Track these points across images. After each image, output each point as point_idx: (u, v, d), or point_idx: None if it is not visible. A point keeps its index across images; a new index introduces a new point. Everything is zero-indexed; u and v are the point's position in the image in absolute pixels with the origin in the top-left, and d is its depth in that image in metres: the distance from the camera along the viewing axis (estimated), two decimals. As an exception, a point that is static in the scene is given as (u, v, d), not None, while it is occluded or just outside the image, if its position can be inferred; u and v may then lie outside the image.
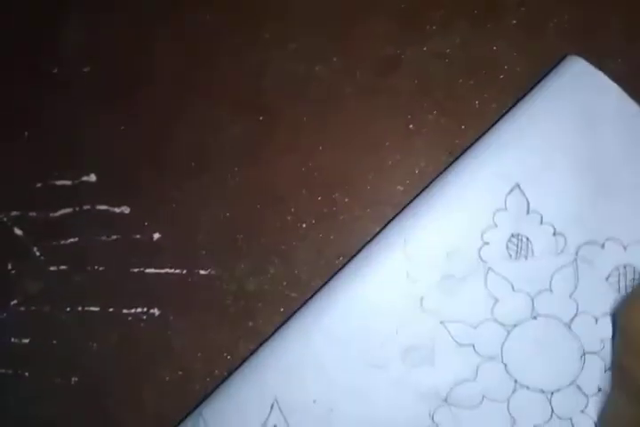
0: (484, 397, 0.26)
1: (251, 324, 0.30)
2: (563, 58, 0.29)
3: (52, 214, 0.32)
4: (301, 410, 0.26)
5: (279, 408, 0.26)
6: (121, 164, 0.32)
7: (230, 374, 0.28)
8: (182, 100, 0.32)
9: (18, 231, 0.32)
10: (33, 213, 0.32)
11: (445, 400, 0.26)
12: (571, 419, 0.26)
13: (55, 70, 0.33)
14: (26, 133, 0.32)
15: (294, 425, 0.26)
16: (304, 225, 0.30)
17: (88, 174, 0.32)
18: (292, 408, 0.26)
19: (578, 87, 0.28)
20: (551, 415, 0.26)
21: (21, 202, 0.32)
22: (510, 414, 0.26)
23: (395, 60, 0.31)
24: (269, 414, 0.26)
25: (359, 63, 0.31)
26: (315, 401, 0.26)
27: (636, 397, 0.19)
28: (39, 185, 0.32)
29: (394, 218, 0.29)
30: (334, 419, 0.26)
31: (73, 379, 0.30)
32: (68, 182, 0.32)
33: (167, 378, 0.30)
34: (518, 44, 0.31)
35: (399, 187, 0.30)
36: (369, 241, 0.29)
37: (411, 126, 0.31)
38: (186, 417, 0.28)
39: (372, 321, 0.27)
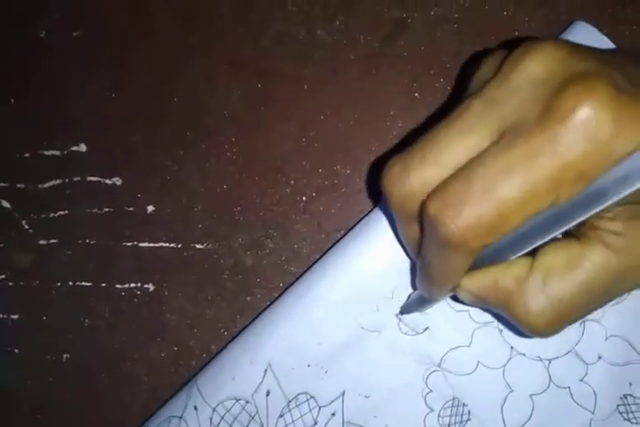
0: (478, 363, 0.26)
1: (248, 299, 0.29)
2: (570, 23, 0.28)
3: (40, 186, 0.31)
4: (295, 375, 0.26)
5: (273, 373, 0.26)
6: (112, 133, 0.31)
7: (227, 350, 0.28)
8: (177, 65, 0.31)
9: (5, 204, 0.31)
10: (21, 185, 0.31)
11: (439, 365, 0.26)
12: (569, 388, 0.26)
13: (43, 34, 0.32)
14: (12, 101, 0.31)
15: (288, 390, 0.26)
16: (304, 198, 0.29)
17: (78, 144, 0.31)
18: (285, 373, 0.26)
19: None
20: (549, 384, 0.26)
21: (9, 173, 0.31)
22: (506, 381, 0.26)
23: (401, 24, 0.30)
24: (263, 379, 0.26)
25: (363, 27, 0.30)
26: (309, 366, 0.26)
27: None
28: (27, 155, 0.31)
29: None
30: (328, 383, 0.26)
31: (64, 356, 0.30)
32: (56, 153, 0.31)
33: (162, 354, 0.29)
34: (530, 10, 0.30)
35: (403, 158, 0.29)
36: (369, 211, 0.28)
37: (416, 95, 0.30)
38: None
39: (368, 286, 0.27)
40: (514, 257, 0.20)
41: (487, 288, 0.21)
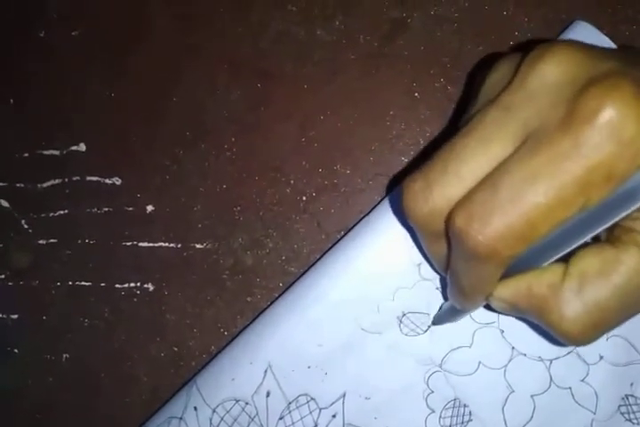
0: (480, 363, 0.26)
1: (248, 299, 0.29)
2: (571, 23, 0.28)
3: (40, 186, 0.31)
4: (295, 376, 0.26)
5: (273, 374, 0.26)
6: (112, 133, 0.31)
7: (227, 350, 0.28)
8: (176, 64, 0.31)
9: (5, 203, 0.31)
10: (20, 185, 0.31)
11: (440, 366, 0.26)
12: (570, 388, 0.26)
13: (42, 34, 0.31)
14: (11, 101, 0.31)
15: (288, 391, 0.26)
16: (304, 198, 0.29)
17: (77, 144, 0.31)
18: (285, 374, 0.26)
19: None
20: (550, 384, 0.26)
21: (8, 173, 0.31)
22: (507, 381, 0.26)
23: (400, 24, 0.30)
24: (263, 380, 0.26)
25: (363, 27, 0.30)
26: (309, 367, 0.26)
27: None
28: (26, 155, 0.31)
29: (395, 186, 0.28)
30: (328, 384, 0.26)
31: (64, 356, 0.30)
32: (56, 152, 0.31)
33: (162, 354, 0.29)
34: (529, 9, 0.29)
35: (403, 158, 0.29)
36: (369, 211, 0.28)
37: (416, 95, 0.30)
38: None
39: (369, 287, 0.26)
40: (547, 263, 0.19)
41: (521, 296, 0.20)
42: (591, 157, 0.16)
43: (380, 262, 0.26)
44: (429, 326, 0.26)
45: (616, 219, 0.17)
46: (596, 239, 0.20)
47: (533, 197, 0.17)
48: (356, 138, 0.30)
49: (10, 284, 0.30)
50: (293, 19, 0.30)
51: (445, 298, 0.26)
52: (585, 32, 0.27)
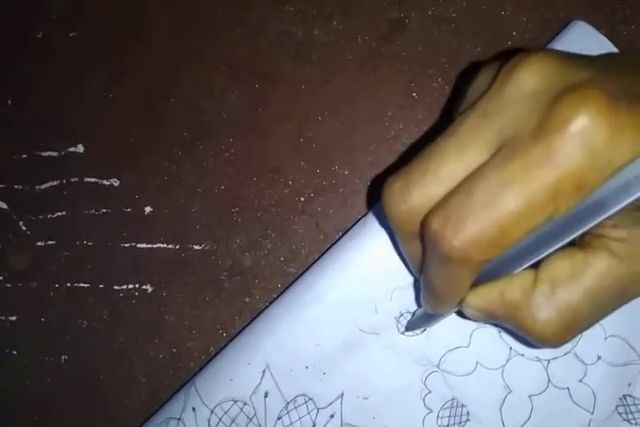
0: (477, 363, 0.26)
1: (247, 300, 0.29)
2: (568, 23, 0.28)
3: (38, 187, 0.31)
4: (293, 376, 0.26)
5: (271, 375, 0.26)
6: (110, 134, 0.31)
7: (226, 351, 0.28)
8: (174, 65, 0.31)
9: (3, 205, 0.31)
10: (18, 186, 0.31)
11: (438, 366, 0.26)
12: (568, 388, 0.26)
13: (40, 35, 0.31)
14: (9, 102, 0.31)
15: (286, 392, 0.26)
16: (302, 198, 0.29)
17: (75, 145, 0.31)
18: (283, 375, 0.26)
19: (581, 52, 0.27)
20: (548, 384, 0.26)
21: (6, 174, 0.31)
22: (505, 382, 0.26)
23: (399, 24, 0.30)
24: (261, 381, 0.26)
25: (361, 27, 0.30)
26: (307, 367, 0.26)
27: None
28: (24, 156, 0.31)
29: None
30: (326, 384, 0.26)
31: (63, 357, 0.30)
32: (54, 154, 0.31)
33: (161, 356, 0.29)
34: (527, 9, 0.29)
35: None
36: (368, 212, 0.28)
37: (414, 95, 0.30)
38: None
39: (367, 287, 0.26)
40: (518, 270, 0.20)
41: (493, 302, 0.20)
42: (562, 165, 0.16)
43: (378, 263, 0.26)
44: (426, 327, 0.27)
45: (585, 228, 0.18)
46: (568, 245, 0.20)
47: (505, 204, 0.17)
48: (355, 138, 0.30)
49: (8, 285, 0.30)
50: (291, 19, 0.30)
51: (418, 304, 0.26)
52: (583, 32, 0.27)
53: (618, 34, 0.29)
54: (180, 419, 0.26)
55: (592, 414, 0.26)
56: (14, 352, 0.30)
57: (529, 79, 0.17)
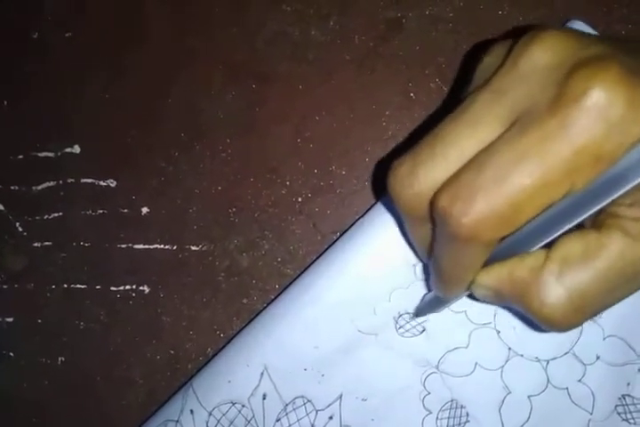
0: (476, 364, 0.26)
1: (244, 301, 0.29)
2: (566, 22, 0.28)
3: (34, 188, 0.30)
4: (292, 378, 0.26)
5: (269, 376, 0.26)
6: (106, 134, 0.30)
7: (223, 352, 0.27)
8: (171, 66, 0.30)
9: (-1, 206, 0.30)
10: (15, 187, 0.31)
11: (437, 367, 0.26)
12: (567, 388, 0.26)
13: (35, 35, 0.31)
14: (5, 103, 0.31)
15: (284, 393, 0.26)
16: (299, 199, 0.29)
17: (72, 146, 0.31)
18: (282, 376, 0.26)
19: None
20: (547, 385, 0.26)
21: (2, 175, 0.31)
22: (504, 382, 0.26)
23: (396, 24, 0.30)
24: (259, 383, 0.26)
25: (358, 27, 0.30)
26: (305, 369, 0.26)
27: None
28: (20, 157, 0.31)
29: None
30: (325, 386, 0.26)
31: (60, 359, 0.29)
32: (50, 154, 0.31)
33: (158, 357, 0.29)
34: (525, 9, 0.29)
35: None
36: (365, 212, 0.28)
37: (412, 95, 0.29)
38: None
39: (365, 288, 0.26)
40: (531, 250, 0.19)
41: (502, 281, 0.20)
42: (579, 138, 0.16)
43: (376, 263, 0.26)
44: (425, 328, 0.26)
45: (603, 203, 0.17)
46: (579, 225, 0.20)
47: (519, 179, 0.16)
48: (352, 138, 0.29)
49: (5, 287, 0.30)
50: (288, 19, 0.30)
51: (428, 288, 0.26)
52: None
53: (615, 33, 0.29)
54: (177, 421, 0.26)
55: (591, 414, 0.25)
56: (11, 354, 0.30)
57: (543, 54, 0.17)
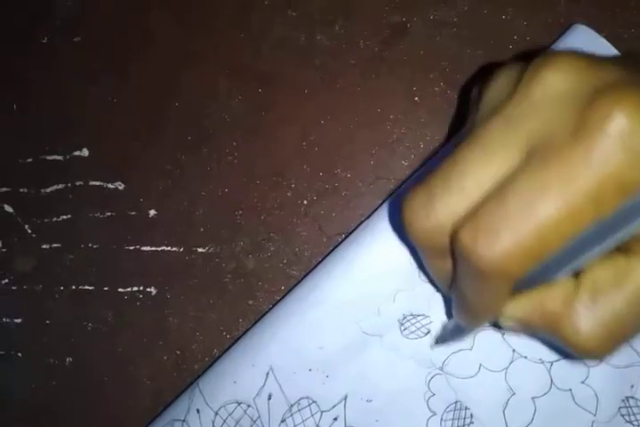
0: (480, 366, 0.26)
1: (251, 302, 0.29)
2: (570, 26, 0.28)
3: (43, 191, 0.31)
4: (297, 379, 0.26)
5: (275, 377, 0.26)
6: (114, 138, 0.31)
7: (229, 353, 0.28)
8: (178, 70, 0.31)
9: (8, 208, 0.31)
10: (24, 190, 0.31)
11: (441, 369, 0.26)
12: (571, 390, 0.26)
13: (45, 40, 0.32)
14: (15, 106, 0.31)
15: (289, 394, 0.26)
16: (305, 201, 0.30)
17: (80, 149, 0.31)
18: (287, 377, 0.26)
19: None
20: (551, 386, 0.26)
21: (11, 178, 0.31)
22: (508, 384, 0.26)
23: (400, 28, 0.30)
24: (265, 383, 0.26)
25: (363, 32, 0.30)
26: (310, 370, 0.26)
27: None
28: (29, 160, 0.31)
29: (396, 190, 0.28)
30: (329, 387, 0.26)
31: (67, 359, 0.30)
32: (59, 157, 0.31)
33: (165, 358, 0.29)
34: (528, 13, 0.30)
35: (404, 162, 0.29)
36: (370, 214, 0.28)
37: (416, 99, 0.30)
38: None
39: (370, 290, 0.26)
40: (559, 278, 0.19)
41: (532, 313, 0.19)
42: (604, 166, 0.16)
43: (381, 265, 0.27)
44: (430, 330, 0.27)
45: (632, 230, 0.17)
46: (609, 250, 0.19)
47: (544, 211, 0.16)
48: (357, 142, 0.30)
49: (13, 288, 0.30)
50: (294, 24, 0.30)
51: (449, 316, 0.26)
52: (584, 36, 0.27)
53: (618, 37, 0.29)
54: (184, 421, 0.27)
55: (595, 415, 0.25)
56: (19, 354, 0.30)
57: (556, 81, 0.17)
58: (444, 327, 0.26)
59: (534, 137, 0.17)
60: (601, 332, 0.18)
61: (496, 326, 0.22)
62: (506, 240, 0.16)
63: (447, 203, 0.18)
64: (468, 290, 0.19)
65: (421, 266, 0.26)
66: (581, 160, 0.16)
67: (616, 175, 0.16)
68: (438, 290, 0.26)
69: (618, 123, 0.15)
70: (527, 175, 0.16)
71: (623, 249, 0.19)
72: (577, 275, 0.19)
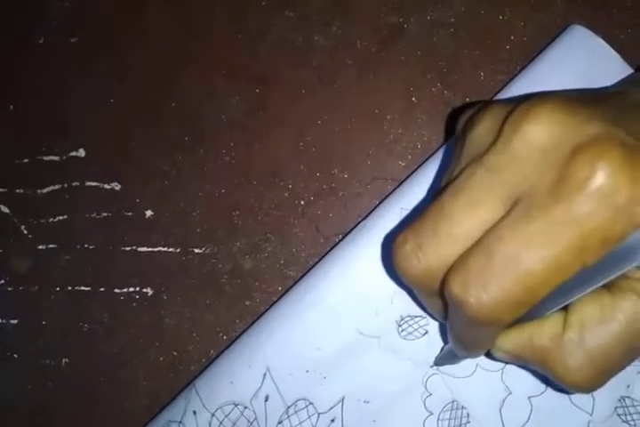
0: (477, 365, 0.26)
1: (247, 303, 0.29)
2: (566, 27, 0.28)
3: (39, 191, 0.31)
4: (294, 380, 0.26)
5: (272, 378, 0.26)
6: (111, 138, 0.31)
7: (226, 354, 0.28)
8: (175, 70, 0.31)
9: (4, 209, 0.31)
10: (20, 190, 0.31)
11: (438, 369, 0.26)
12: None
13: (41, 40, 0.32)
14: (11, 107, 0.31)
15: (286, 395, 0.26)
16: (302, 202, 0.30)
17: (77, 149, 0.31)
18: (284, 378, 0.26)
19: (579, 56, 0.27)
20: (547, 386, 0.26)
21: (8, 178, 0.31)
22: (504, 383, 0.26)
23: (397, 29, 0.30)
24: (261, 384, 0.26)
25: (360, 32, 0.30)
26: (307, 371, 0.26)
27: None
28: (26, 161, 0.31)
29: (393, 190, 0.28)
30: (327, 388, 0.26)
31: (63, 360, 0.30)
32: (55, 158, 0.31)
33: (161, 359, 0.29)
34: (525, 14, 0.30)
35: (400, 162, 0.29)
36: (367, 215, 0.28)
37: (413, 99, 0.30)
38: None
39: (367, 290, 0.27)
40: (547, 314, 0.20)
41: (523, 347, 0.20)
42: (586, 223, 0.16)
43: (379, 266, 0.27)
44: (427, 331, 0.27)
45: (616, 275, 0.17)
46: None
47: (529, 264, 0.16)
48: (354, 142, 0.30)
49: (9, 289, 0.30)
50: (291, 25, 0.30)
51: (445, 341, 0.26)
52: (580, 36, 0.27)
53: (615, 38, 0.29)
54: (180, 422, 0.27)
55: (591, 415, 0.26)
56: (15, 355, 0.30)
57: (536, 134, 0.17)
58: (442, 350, 0.26)
59: (517, 189, 0.17)
60: (589, 367, 0.19)
61: (488, 355, 0.22)
62: (494, 291, 0.17)
63: (436, 249, 0.18)
64: (460, 330, 0.20)
65: (417, 301, 0.26)
66: (564, 216, 0.16)
67: (599, 230, 0.16)
68: (434, 318, 0.26)
69: (598, 180, 0.16)
70: (512, 228, 0.17)
71: (609, 286, 0.19)
72: (566, 307, 0.20)
